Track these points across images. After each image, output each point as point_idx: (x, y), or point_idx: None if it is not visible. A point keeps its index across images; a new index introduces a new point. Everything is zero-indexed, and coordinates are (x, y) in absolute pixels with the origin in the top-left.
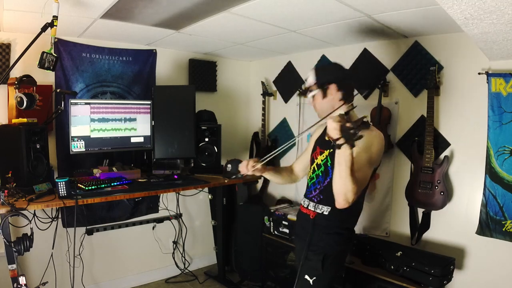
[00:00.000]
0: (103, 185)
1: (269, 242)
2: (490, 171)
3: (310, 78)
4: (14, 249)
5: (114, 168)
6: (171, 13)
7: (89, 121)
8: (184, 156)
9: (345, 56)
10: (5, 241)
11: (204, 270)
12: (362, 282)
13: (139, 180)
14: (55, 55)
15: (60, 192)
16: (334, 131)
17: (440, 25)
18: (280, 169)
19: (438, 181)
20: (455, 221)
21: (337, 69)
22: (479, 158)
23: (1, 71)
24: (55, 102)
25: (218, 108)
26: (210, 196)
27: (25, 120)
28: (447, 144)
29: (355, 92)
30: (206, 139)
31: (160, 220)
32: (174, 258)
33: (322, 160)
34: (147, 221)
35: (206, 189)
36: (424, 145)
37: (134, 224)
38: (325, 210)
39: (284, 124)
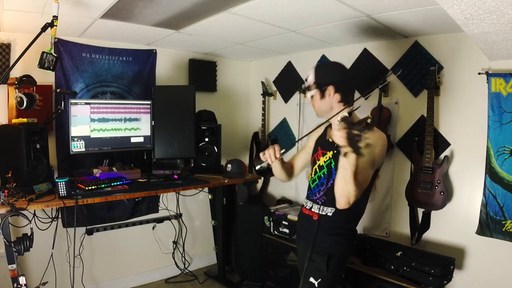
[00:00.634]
0: (103, 185)
1: (269, 242)
2: (490, 171)
3: (310, 77)
4: (14, 249)
5: (114, 168)
6: (171, 13)
7: (89, 121)
8: (184, 156)
9: (345, 56)
10: (5, 241)
11: (204, 270)
12: (362, 282)
13: (139, 180)
14: (55, 55)
15: (60, 192)
16: (340, 139)
17: (440, 25)
18: (284, 162)
19: (438, 181)
20: (455, 221)
21: (337, 70)
22: (479, 158)
23: (1, 71)
24: (55, 102)
25: (218, 108)
26: (210, 196)
27: (25, 120)
28: (447, 144)
29: (357, 95)
30: (206, 139)
31: (160, 220)
32: (174, 258)
33: (325, 162)
34: (147, 221)
35: (206, 189)
36: (424, 145)
37: (134, 224)
38: (329, 211)
39: (284, 124)
